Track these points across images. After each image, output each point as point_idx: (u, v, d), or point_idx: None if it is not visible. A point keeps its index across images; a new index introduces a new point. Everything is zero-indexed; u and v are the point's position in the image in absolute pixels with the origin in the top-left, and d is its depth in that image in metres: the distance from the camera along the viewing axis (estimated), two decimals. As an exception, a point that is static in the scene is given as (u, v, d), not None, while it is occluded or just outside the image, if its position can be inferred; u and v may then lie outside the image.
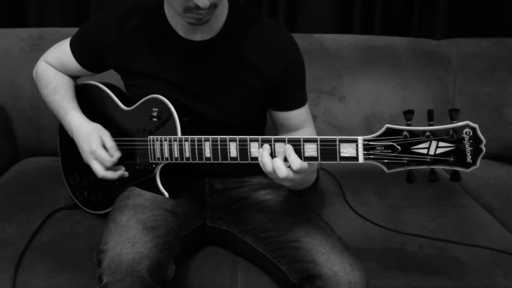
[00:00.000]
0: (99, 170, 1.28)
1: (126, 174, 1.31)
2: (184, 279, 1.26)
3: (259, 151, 1.10)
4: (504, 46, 2.03)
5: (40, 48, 1.82)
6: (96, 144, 1.27)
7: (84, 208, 1.46)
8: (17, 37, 1.87)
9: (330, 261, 1.13)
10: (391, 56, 1.97)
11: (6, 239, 1.35)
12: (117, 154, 1.28)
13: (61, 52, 1.41)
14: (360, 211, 1.57)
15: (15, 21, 2.08)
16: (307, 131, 1.35)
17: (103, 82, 1.42)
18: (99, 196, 1.41)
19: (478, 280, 1.31)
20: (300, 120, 1.34)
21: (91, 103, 1.40)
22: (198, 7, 1.10)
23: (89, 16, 2.07)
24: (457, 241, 1.43)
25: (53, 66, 1.43)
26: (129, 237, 1.10)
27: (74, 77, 1.45)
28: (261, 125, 1.45)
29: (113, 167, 1.29)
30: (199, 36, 1.25)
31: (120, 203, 1.26)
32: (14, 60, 1.84)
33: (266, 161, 1.07)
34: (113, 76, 1.40)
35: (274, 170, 1.06)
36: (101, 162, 1.27)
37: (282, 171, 1.05)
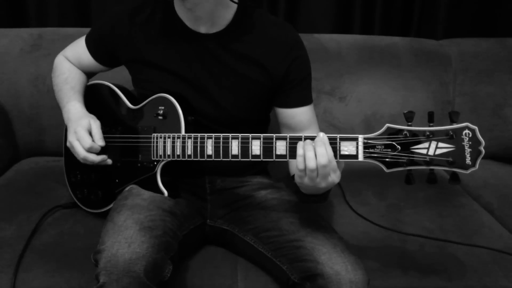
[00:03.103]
0: (81, 151, 1.28)
1: (109, 161, 1.32)
2: (183, 279, 1.26)
3: (301, 146, 1.07)
4: (504, 46, 2.03)
5: (40, 48, 1.83)
6: (81, 126, 1.29)
7: (82, 207, 1.46)
8: (17, 37, 1.87)
9: (332, 260, 1.13)
10: (391, 56, 1.97)
11: (6, 239, 1.35)
12: (100, 142, 1.30)
13: (77, 48, 1.46)
14: (360, 211, 1.57)
15: (15, 21, 2.07)
16: (311, 133, 1.34)
17: (113, 83, 1.45)
18: (98, 194, 1.41)
19: (478, 280, 1.31)
20: (304, 120, 1.35)
21: (100, 101, 1.43)
22: None
23: (89, 16, 2.08)
24: (457, 241, 1.43)
25: (69, 61, 1.48)
26: (126, 237, 1.10)
27: (89, 73, 1.49)
28: (263, 123, 1.46)
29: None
30: (206, 28, 1.28)
31: (118, 203, 1.26)
32: (14, 60, 1.84)
33: (311, 156, 1.06)
34: (120, 77, 1.42)
35: (316, 157, 1.06)
36: (81, 142, 1.28)
37: (325, 157, 1.05)
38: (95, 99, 1.44)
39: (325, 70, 1.92)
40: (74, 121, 1.33)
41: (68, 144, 1.32)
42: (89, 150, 1.29)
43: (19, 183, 1.67)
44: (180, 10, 1.29)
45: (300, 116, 1.34)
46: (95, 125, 1.32)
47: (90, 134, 1.30)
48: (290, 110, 1.34)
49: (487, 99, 1.97)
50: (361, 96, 1.92)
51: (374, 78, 1.94)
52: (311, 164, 1.06)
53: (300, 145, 1.08)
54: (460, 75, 1.98)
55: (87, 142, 1.28)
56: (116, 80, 1.47)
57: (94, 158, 1.30)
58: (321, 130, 1.89)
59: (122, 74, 1.45)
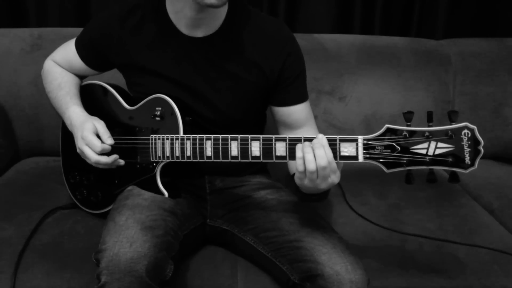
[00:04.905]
0: (92, 156, 1.26)
1: (122, 162, 1.30)
2: (184, 279, 1.26)
3: (300, 148, 1.08)
4: (504, 46, 2.03)
5: (40, 48, 1.83)
6: (87, 130, 1.27)
7: (83, 208, 1.46)
8: (17, 37, 1.87)
9: (332, 260, 1.13)
10: (391, 56, 1.97)
11: (6, 239, 1.35)
12: (109, 141, 1.27)
13: (67, 52, 1.43)
14: (360, 211, 1.57)
15: (15, 21, 2.07)
16: (309, 129, 1.35)
17: (107, 82, 1.43)
18: (98, 195, 1.41)
19: (478, 280, 1.31)
20: (301, 117, 1.34)
21: (95, 102, 1.41)
22: None
23: (89, 16, 2.08)
24: (457, 241, 1.43)
25: (60, 65, 1.45)
26: (127, 236, 1.10)
27: (80, 76, 1.46)
28: (260, 122, 1.45)
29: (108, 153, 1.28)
30: (200, 32, 1.26)
31: (119, 203, 1.26)
32: (14, 60, 1.84)
33: (310, 158, 1.06)
34: (116, 77, 1.40)
35: (315, 158, 1.06)
36: (91, 147, 1.26)
37: (324, 159, 1.05)
38: (90, 100, 1.41)
39: (325, 70, 1.92)
40: (78, 127, 1.30)
41: (78, 151, 1.30)
42: (101, 153, 1.26)
43: (19, 183, 1.67)
44: (177, 18, 1.26)
45: (297, 113, 1.34)
46: (100, 125, 1.29)
47: (98, 136, 1.28)
48: (287, 108, 1.33)
49: (487, 99, 1.97)
50: (361, 96, 1.92)
51: (374, 78, 1.94)
52: (311, 166, 1.06)
53: (299, 148, 1.08)
54: (460, 75, 1.98)
55: (97, 145, 1.25)
56: (111, 79, 1.45)
57: (107, 159, 1.27)
58: (321, 130, 1.90)
59: (113, 73, 1.42)
